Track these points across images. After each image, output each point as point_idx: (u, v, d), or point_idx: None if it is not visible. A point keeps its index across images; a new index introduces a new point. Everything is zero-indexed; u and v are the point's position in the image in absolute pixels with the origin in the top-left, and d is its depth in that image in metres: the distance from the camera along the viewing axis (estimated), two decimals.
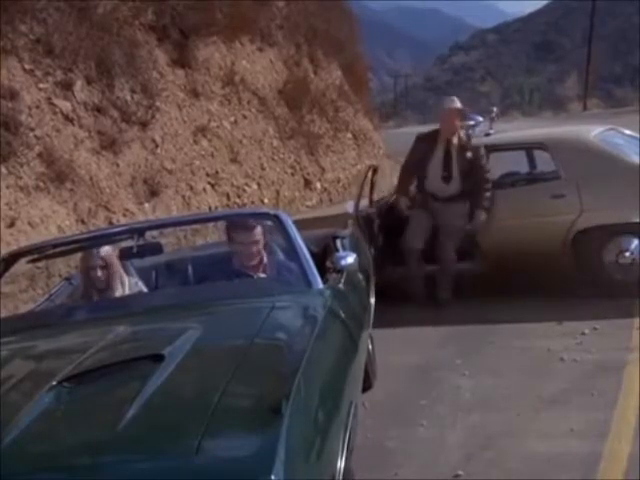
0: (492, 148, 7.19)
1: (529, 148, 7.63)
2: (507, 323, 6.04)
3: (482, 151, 6.65)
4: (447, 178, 6.62)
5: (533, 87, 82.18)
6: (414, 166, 6.82)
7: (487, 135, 7.40)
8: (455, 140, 6.64)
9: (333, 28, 16.67)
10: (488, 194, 6.57)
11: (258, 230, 4.30)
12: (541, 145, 7.02)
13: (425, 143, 6.76)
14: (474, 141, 6.78)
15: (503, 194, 6.89)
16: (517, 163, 7.85)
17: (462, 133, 6.74)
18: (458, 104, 6.72)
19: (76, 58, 9.05)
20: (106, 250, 4.28)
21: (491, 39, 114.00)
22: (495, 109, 8.19)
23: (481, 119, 7.70)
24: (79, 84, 9.00)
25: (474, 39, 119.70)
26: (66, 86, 8.84)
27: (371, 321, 4.72)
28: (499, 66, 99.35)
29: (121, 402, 2.42)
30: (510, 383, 4.82)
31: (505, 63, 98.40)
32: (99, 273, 4.25)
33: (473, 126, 7.35)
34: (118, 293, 4.26)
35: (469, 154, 6.60)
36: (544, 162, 7.29)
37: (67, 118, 8.66)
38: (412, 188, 7.05)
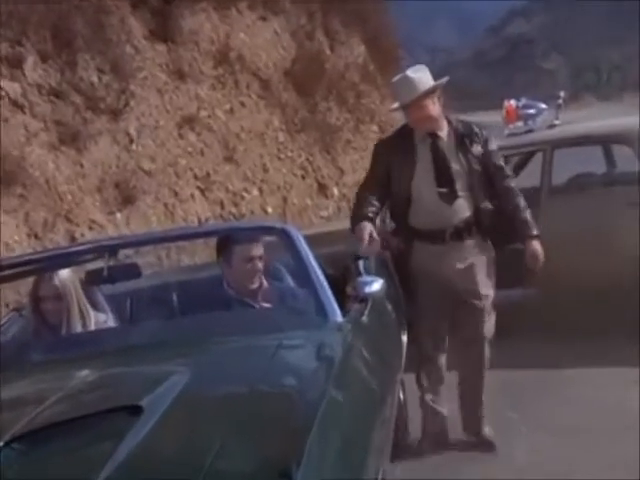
0: (558, 143, 7.22)
1: (607, 142, 7.64)
2: (572, 368, 6.03)
3: (493, 144, 5.14)
4: (449, 195, 4.96)
5: (613, 63, 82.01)
6: (381, 190, 5.03)
7: (552, 127, 7.44)
8: (444, 133, 5.05)
9: None
10: (527, 213, 5.08)
11: (260, 244, 4.34)
12: (622, 138, 7.04)
13: (394, 150, 5.09)
14: (481, 130, 5.17)
15: (569, 200, 6.92)
16: (592, 162, 7.87)
17: (454, 119, 5.20)
18: (424, 82, 4.97)
19: (26, 27, 9.09)
20: (62, 276, 4.30)
21: (558, 1, 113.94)
22: (562, 93, 8.26)
23: (544, 106, 7.75)
24: (31, 61, 9.05)
25: (536, 2, 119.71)
26: (14, 63, 8.89)
27: (403, 363, 4.73)
28: (568, 36, 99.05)
29: (88, 467, 2.43)
30: (578, 445, 4.81)
31: (576, 32, 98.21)
32: (50, 306, 4.27)
33: (534, 116, 7.38)
34: (77, 331, 4.28)
35: (479, 148, 5.04)
36: (626, 160, 7.29)
37: (16, 104, 8.72)
38: (382, 226, 5.60)
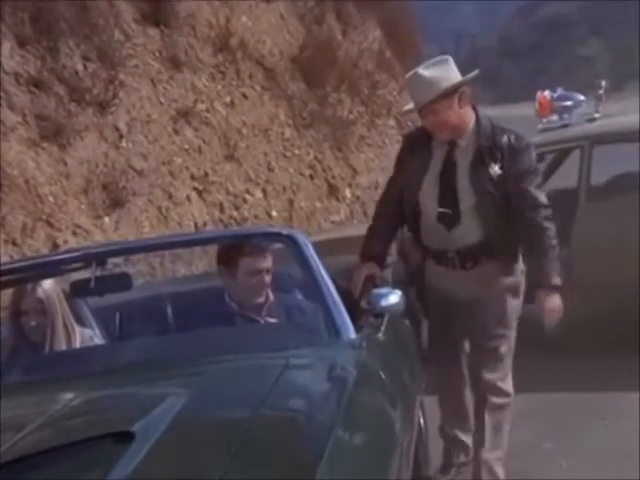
0: (598, 139, 7.23)
1: None
2: (619, 391, 6.02)
3: (525, 162, 4.70)
4: (448, 218, 4.71)
5: None
6: (398, 196, 4.91)
7: (590, 121, 7.43)
8: (464, 141, 4.72)
9: None
10: (554, 256, 4.66)
11: (269, 255, 4.36)
12: None
13: (415, 148, 4.90)
14: (512, 141, 4.69)
15: (609, 203, 6.93)
16: (635, 160, 7.86)
17: (485, 121, 4.77)
18: (441, 81, 4.61)
19: (1, 8, 9.11)
20: (46, 288, 4.32)
21: None
22: (603, 83, 8.22)
23: (582, 98, 7.75)
24: (7, 46, 9.08)
25: None
26: None
27: (423, 384, 4.74)
28: (609, 18, 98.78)
29: None
30: None
31: (618, 13, 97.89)
32: (33, 321, 4.28)
33: (570, 108, 7.38)
34: (61, 348, 4.29)
35: (496, 169, 4.64)
36: None
37: None
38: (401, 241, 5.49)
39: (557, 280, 4.62)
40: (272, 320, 4.34)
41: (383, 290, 4.17)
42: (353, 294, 4.37)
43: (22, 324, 4.31)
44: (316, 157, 13.22)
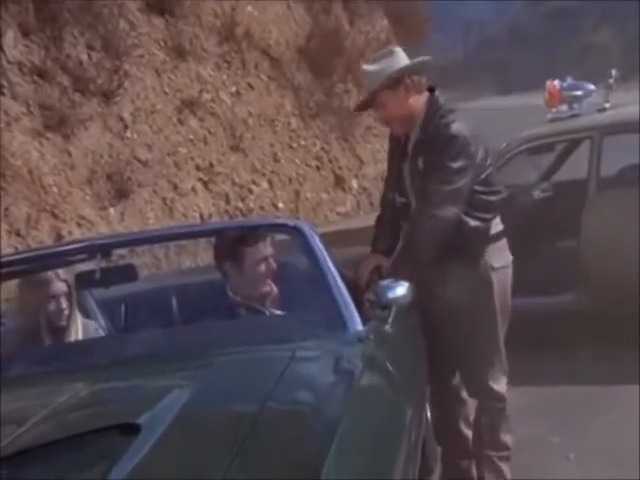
0: (609, 129, 7.22)
1: None
2: (628, 384, 6.01)
3: (450, 152, 4.31)
4: (406, 206, 4.58)
5: None
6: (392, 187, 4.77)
7: (601, 110, 7.41)
8: (414, 135, 4.49)
9: None
10: (413, 252, 4.44)
11: (267, 243, 4.35)
12: None
13: (392, 142, 4.75)
14: (444, 128, 4.35)
15: (620, 195, 6.92)
16: None
17: (434, 110, 4.43)
18: (385, 73, 4.40)
19: None
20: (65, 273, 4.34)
21: None
22: (614, 72, 8.16)
23: (592, 87, 7.72)
24: (10, 36, 9.07)
25: None
26: None
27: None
28: (621, 5, 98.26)
29: None
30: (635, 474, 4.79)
31: (627, 4, 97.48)
32: (64, 304, 4.29)
33: (580, 98, 7.36)
34: (71, 338, 4.31)
35: (420, 160, 4.43)
36: None
37: None
38: None
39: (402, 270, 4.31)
40: (278, 312, 4.34)
41: (390, 282, 4.15)
42: (359, 286, 4.35)
43: (48, 310, 4.29)
44: (322, 148, 13.22)
